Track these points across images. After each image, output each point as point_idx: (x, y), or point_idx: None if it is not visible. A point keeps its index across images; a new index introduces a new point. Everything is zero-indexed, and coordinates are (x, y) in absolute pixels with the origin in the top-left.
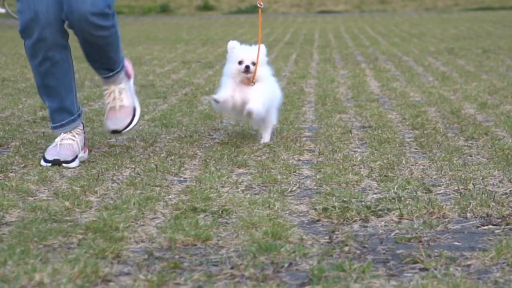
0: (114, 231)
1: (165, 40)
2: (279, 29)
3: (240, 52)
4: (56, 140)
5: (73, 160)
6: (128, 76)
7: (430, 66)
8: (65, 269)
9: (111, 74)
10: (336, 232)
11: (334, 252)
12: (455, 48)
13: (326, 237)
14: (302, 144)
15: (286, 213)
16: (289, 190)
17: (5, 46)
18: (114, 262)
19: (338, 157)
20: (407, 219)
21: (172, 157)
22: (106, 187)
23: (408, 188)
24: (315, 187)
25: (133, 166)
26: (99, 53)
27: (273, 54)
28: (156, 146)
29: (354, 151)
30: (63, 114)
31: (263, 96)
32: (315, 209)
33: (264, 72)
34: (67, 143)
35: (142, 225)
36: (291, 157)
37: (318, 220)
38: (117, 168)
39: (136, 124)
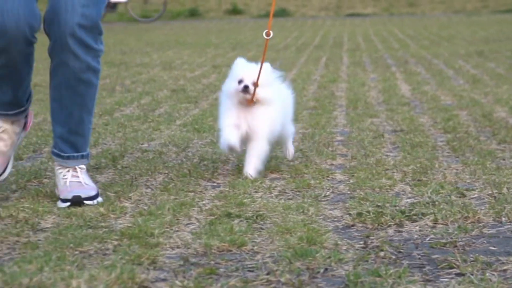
0: (149, 237)
1: (195, 45)
2: (308, 33)
3: (241, 70)
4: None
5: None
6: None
7: (460, 69)
8: (102, 275)
9: (76, 154)
10: (371, 237)
11: (370, 257)
12: (485, 51)
13: (361, 242)
14: (334, 149)
15: (320, 218)
16: (322, 195)
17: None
18: (150, 268)
19: (371, 162)
20: (442, 224)
21: (205, 162)
22: (140, 192)
23: (442, 193)
24: (348, 192)
25: (166, 172)
26: (72, 106)
27: (303, 58)
28: (188, 151)
29: (387, 155)
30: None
31: (270, 125)
32: (350, 214)
33: (267, 94)
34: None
35: (177, 231)
36: (324, 161)
37: (352, 225)
38: (150, 173)
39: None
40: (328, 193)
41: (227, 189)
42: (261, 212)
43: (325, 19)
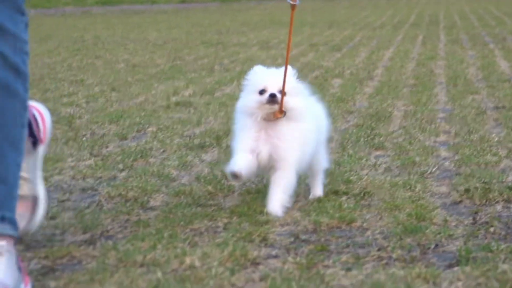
0: (259, 214)
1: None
2: (403, 11)
3: (261, 78)
4: None
5: None
6: (36, 141)
7: None
8: (214, 252)
9: None
10: (479, 213)
11: (479, 233)
12: None
13: (470, 218)
14: (437, 126)
15: (427, 195)
16: (428, 171)
17: (132, 32)
18: (261, 245)
19: (475, 138)
20: None
21: None
22: None
23: None
24: (454, 169)
25: None
26: None
27: (400, 36)
28: None
29: (490, 132)
30: None
31: (300, 147)
32: (457, 191)
33: (299, 103)
34: None
35: (286, 208)
36: (428, 138)
37: (460, 202)
38: None
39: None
40: (433, 169)
41: (333, 166)
42: (368, 189)
43: None
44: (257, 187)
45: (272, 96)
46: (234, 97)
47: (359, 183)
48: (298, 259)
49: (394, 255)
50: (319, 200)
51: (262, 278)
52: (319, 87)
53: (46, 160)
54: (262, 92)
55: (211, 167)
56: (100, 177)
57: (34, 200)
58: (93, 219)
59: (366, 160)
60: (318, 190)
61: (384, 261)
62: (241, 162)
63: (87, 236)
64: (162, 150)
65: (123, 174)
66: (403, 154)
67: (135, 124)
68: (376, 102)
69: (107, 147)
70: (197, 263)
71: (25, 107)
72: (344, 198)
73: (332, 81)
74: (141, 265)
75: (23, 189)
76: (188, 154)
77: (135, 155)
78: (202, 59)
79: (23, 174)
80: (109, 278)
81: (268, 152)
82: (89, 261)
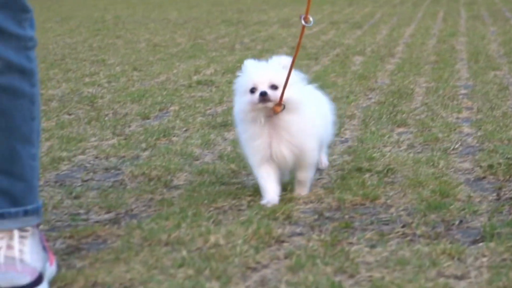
0: (283, 192)
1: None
2: None
3: (249, 76)
4: None
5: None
6: (45, 251)
7: None
8: (239, 230)
9: (13, 210)
10: (503, 189)
11: (504, 209)
12: None
13: (494, 194)
14: (459, 102)
15: (451, 171)
16: (451, 148)
17: (153, 11)
18: (285, 223)
19: (497, 114)
20: None
21: None
22: None
23: None
24: (477, 145)
25: None
26: None
27: (420, 12)
28: None
29: None
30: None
31: (312, 133)
32: (480, 167)
33: (296, 95)
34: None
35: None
36: (450, 115)
37: (483, 178)
38: None
39: None
40: (456, 146)
41: (356, 144)
42: (391, 166)
43: None
44: None
45: (262, 94)
46: None
47: (382, 160)
48: (322, 236)
49: (418, 232)
50: (342, 177)
51: (287, 256)
52: (340, 64)
53: (69, 140)
54: (252, 90)
55: (234, 145)
56: (123, 156)
57: (40, 275)
58: (117, 198)
59: (389, 137)
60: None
61: (408, 238)
62: (271, 186)
63: (112, 215)
64: (184, 129)
65: (146, 153)
66: (426, 131)
67: (157, 103)
68: (398, 79)
69: (129, 126)
70: (221, 241)
71: (33, 101)
72: (367, 175)
73: (353, 59)
74: (166, 244)
75: (26, 258)
76: (210, 132)
77: (157, 134)
78: (223, 37)
79: (30, 246)
80: (134, 257)
81: (287, 153)
82: (113, 240)
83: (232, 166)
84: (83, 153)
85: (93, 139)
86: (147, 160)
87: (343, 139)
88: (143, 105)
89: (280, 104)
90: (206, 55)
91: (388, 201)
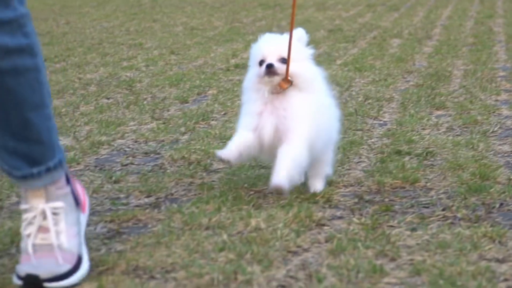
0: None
1: None
2: None
3: (260, 48)
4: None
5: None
6: (78, 205)
7: None
8: (279, 214)
9: (35, 170)
10: None
11: None
12: None
13: None
14: (498, 84)
15: (490, 154)
16: (490, 130)
17: None
18: (325, 206)
19: None
20: None
21: (370, 101)
22: None
23: None
24: None
25: None
26: (4, 105)
27: None
28: (352, 90)
29: None
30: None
31: (311, 119)
32: None
33: (306, 70)
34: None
35: (349, 169)
36: (488, 97)
37: None
38: None
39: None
40: (496, 128)
41: (395, 126)
42: (430, 149)
43: None
44: None
45: (269, 66)
46: None
47: (422, 142)
48: (363, 219)
49: (459, 215)
50: (382, 160)
51: (328, 239)
52: (378, 47)
53: (109, 124)
54: (261, 63)
55: None
56: (163, 140)
57: (79, 258)
58: (157, 183)
59: (428, 120)
60: (318, 185)
61: (449, 221)
62: (234, 145)
63: (152, 199)
64: (223, 112)
65: (185, 137)
66: (465, 113)
67: (195, 87)
68: (436, 62)
69: (168, 110)
70: (262, 225)
71: (38, 70)
72: (407, 158)
73: (390, 41)
74: (207, 228)
75: (63, 240)
76: None
77: (196, 118)
78: (260, 21)
79: (65, 223)
80: (175, 241)
81: (273, 127)
82: (154, 224)
83: None
84: (122, 137)
85: (132, 123)
86: (186, 144)
87: (381, 122)
88: (181, 89)
89: (287, 80)
90: (243, 39)
91: (428, 184)
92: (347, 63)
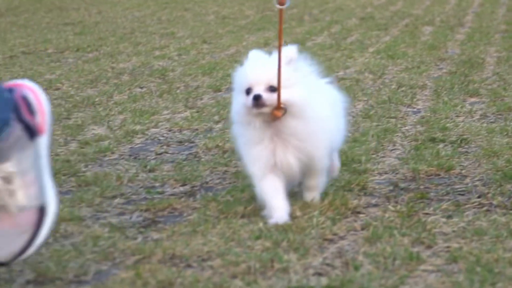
0: (357, 163)
1: None
2: None
3: (245, 74)
4: None
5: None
6: (32, 131)
7: None
8: (316, 202)
9: None
10: None
11: None
12: None
13: None
14: None
15: None
16: None
17: None
18: (361, 194)
19: None
20: None
21: (403, 88)
22: None
23: None
24: None
25: (365, 99)
26: None
27: None
28: (385, 78)
29: None
30: None
31: (321, 141)
32: None
33: (299, 98)
34: None
35: (383, 156)
36: None
37: None
38: (350, 101)
39: (42, 241)
40: None
41: (428, 114)
42: (465, 136)
43: None
44: (354, 136)
45: (256, 98)
46: (325, 47)
47: (456, 130)
48: (398, 207)
49: (494, 202)
50: (416, 147)
51: (364, 227)
52: (410, 35)
53: (142, 113)
54: (248, 91)
55: None
56: (196, 129)
57: (41, 210)
58: (192, 171)
59: (461, 107)
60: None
61: (485, 208)
62: (279, 205)
63: (187, 188)
64: None
65: (219, 125)
66: (498, 100)
67: (228, 76)
68: (468, 49)
69: (201, 99)
70: (298, 213)
71: None
72: (441, 145)
73: (422, 29)
74: (242, 216)
75: (19, 198)
76: None
77: (229, 107)
78: (291, 9)
79: (20, 178)
80: (211, 230)
81: (294, 162)
82: (190, 212)
83: None
84: (156, 126)
85: (165, 112)
86: (220, 132)
87: (415, 109)
88: (214, 78)
89: (280, 108)
90: (275, 27)
91: (463, 171)
92: (380, 51)
